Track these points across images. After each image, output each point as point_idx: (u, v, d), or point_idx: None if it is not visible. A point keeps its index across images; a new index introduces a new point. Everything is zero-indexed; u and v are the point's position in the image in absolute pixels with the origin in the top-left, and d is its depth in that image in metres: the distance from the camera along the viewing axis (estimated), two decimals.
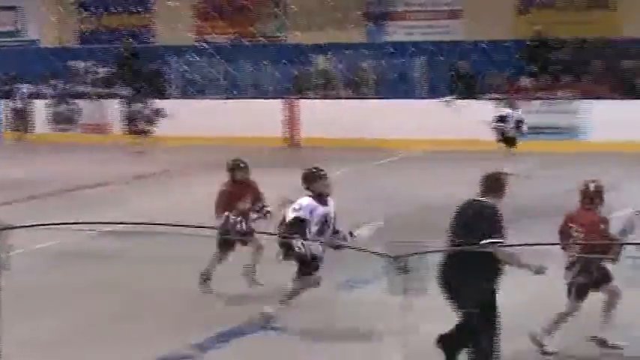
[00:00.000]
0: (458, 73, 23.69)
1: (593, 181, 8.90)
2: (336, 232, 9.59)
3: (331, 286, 10.40)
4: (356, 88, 25.60)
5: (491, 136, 19.71)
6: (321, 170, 9.83)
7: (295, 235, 9.28)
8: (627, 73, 22.51)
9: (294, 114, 24.84)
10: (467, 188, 8.54)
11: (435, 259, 6.50)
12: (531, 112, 22.85)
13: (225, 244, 10.93)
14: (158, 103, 25.51)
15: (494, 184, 8.08)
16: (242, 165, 11.26)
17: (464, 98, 23.13)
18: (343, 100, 25.03)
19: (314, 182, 9.67)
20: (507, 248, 7.61)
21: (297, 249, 9.40)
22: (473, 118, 22.35)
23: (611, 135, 21.61)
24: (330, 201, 9.68)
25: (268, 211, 10.90)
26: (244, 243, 11.03)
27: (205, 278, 10.96)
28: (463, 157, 21.00)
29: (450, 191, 16.40)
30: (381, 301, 6.26)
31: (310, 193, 9.57)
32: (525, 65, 22.56)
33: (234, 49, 26.87)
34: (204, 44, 26.94)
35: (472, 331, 7.81)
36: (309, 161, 11.76)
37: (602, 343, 8.80)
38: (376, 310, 9.04)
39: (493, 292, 7.90)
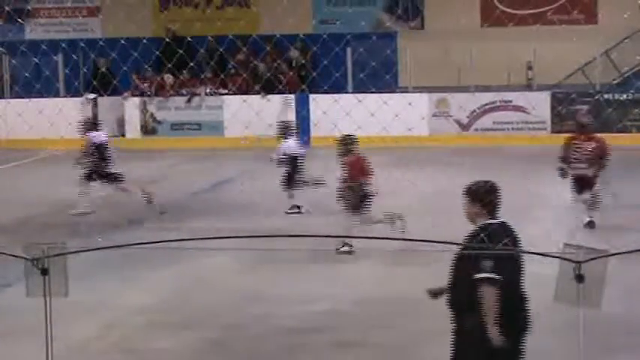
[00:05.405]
0: (96, 70, 23.32)
1: None
2: None
3: None
4: None
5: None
6: None
7: None
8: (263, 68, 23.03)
9: None
10: None
11: (76, 261, 6.25)
12: (171, 108, 23.06)
13: None
14: None
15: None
16: None
17: (102, 95, 22.83)
18: None
19: None
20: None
21: None
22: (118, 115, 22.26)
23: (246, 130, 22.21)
24: None
25: None
26: None
27: None
28: None
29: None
30: (22, 304, 6.00)
31: None
32: (166, 62, 22.60)
33: None
34: None
35: None
36: None
37: None
38: (17, 313, 8.66)
39: None
